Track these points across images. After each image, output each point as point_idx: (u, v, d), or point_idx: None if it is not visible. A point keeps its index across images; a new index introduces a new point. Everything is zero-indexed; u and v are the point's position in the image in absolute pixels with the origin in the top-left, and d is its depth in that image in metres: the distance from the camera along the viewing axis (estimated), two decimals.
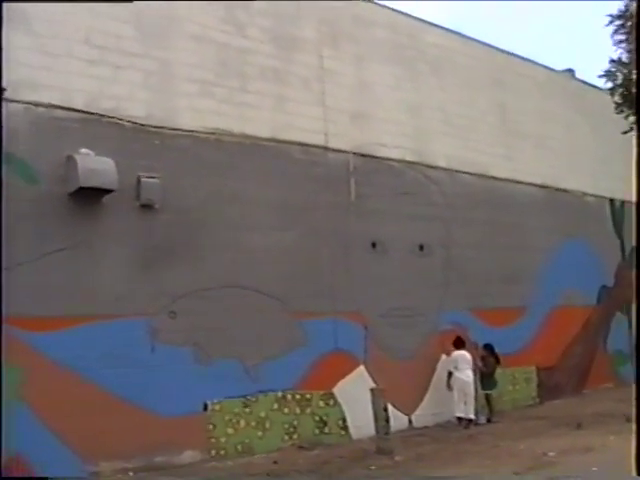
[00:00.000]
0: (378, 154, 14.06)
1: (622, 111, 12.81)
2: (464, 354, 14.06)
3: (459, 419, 13.83)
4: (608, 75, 12.58)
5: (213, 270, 11.57)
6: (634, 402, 6.05)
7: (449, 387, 14.01)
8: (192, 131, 11.67)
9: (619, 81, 12.58)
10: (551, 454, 10.88)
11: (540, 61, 18.81)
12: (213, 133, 11.91)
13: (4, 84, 9.00)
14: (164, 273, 11.06)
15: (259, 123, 12.48)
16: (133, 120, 10.99)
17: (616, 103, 12.87)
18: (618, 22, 12.73)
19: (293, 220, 12.65)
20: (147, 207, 10.98)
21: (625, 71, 12.47)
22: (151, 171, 11.01)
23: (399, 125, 14.54)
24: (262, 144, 12.46)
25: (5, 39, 8.21)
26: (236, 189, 12.02)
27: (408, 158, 14.63)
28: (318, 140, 13.16)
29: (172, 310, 11.05)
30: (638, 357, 6.80)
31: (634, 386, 6.36)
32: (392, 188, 14.16)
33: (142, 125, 11.10)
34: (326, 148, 13.26)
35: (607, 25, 12.51)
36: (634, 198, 11.19)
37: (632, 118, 12.71)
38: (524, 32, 50.75)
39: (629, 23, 12.54)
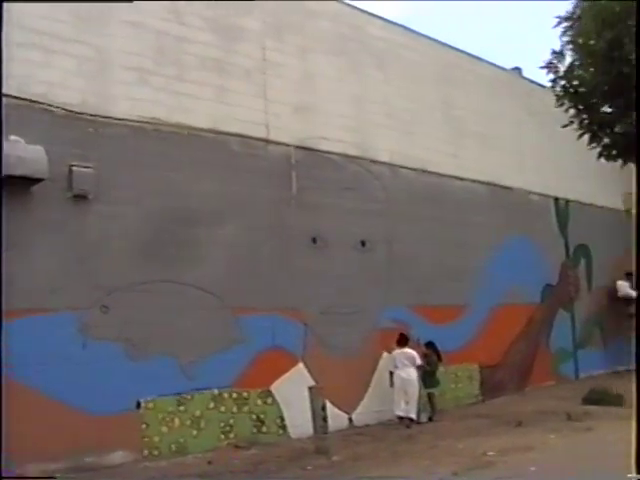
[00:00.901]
0: (320, 147, 13.81)
1: (562, 104, 12.66)
2: (407, 352, 13.85)
3: (400, 418, 13.63)
4: (549, 67, 12.42)
5: (148, 264, 11.22)
6: (634, 402, 5.89)
7: (391, 385, 13.79)
8: (128, 120, 11.30)
9: (560, 73, 12.44)
10: (490, 453, 10.74)
11: (488, 59, 18.81)
12: (150, 122, 11.55)
13: None
14: (97, 266, 10.68)
15: (198, 113, 12.15)
16: (66, 107, 10.59)
17: (557, 96, 12.74)
18: (566, 24, 12.61)
19: (232, 214, 12.33)
20: (80, 197, 10.59)
21: (566, 63, 12.34)
22: (85, 160, 10.63)
23: (342, 118, 14.30)
24: (201, 135, 12.14)
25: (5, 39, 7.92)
26: (174, 180, 11.68)
27: (350, 152, 14.39)
28: (259, 132, 12.87)
29: (105, 304, 10.68)
30: (638, 355, 6.64)
31: (634, 387, 6.21)
32: (334, 182, 13.92)
33: (75, 112, 10.70)
34: (267, 141, 12.96)
35: (555, 27, 12.38)
36: (634, 200, 11.07)
37: (572, 111, 12.61)
38: (475, 31, 51.06)
39: (576, 24, 12.43)
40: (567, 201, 20.81)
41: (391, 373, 13.87)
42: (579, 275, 21.30)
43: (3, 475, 8.56)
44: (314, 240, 13.46)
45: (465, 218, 16.86)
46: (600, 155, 12.73)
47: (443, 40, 17.40)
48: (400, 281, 14.96)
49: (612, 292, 22.43)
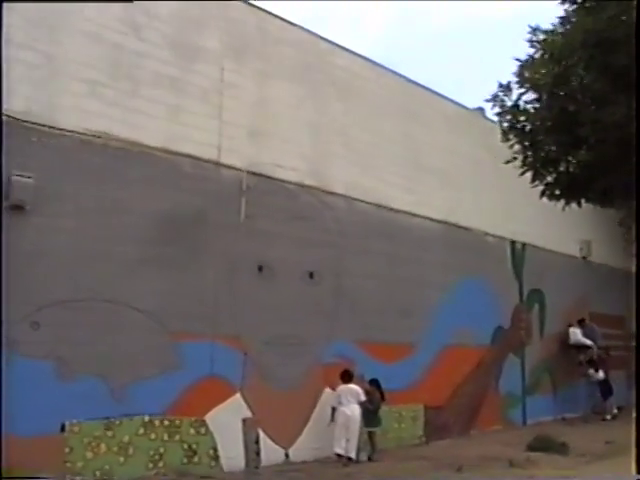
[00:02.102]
0: (273, 175, 13.52)
1: (508, 139, 12.45)
2: (351, 387, 13.50)
3: (339, 456, 13.24)
4: (494, 99, 12.20)
5: (84, 281, 10.81)
6: (635, 402, 5.70)
7: (332, 421, 13.42)
8: (75, 132, 10.94)
9: (507, 107, 12.21)
10: None
11: (452, 98, 18.77)
12: (99, 137, 11.20)
13: None
14: (30, 280, 10.26)
15: (150, 131, 11.82)
16: (9, 114, 10.19)
17: (503, 131, 12.53)
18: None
19: (177, 235, 11.98)
20: (17, 208, 10.16)
21: (513, 97, 12.10)
22: (25, 170, 10.23)
23: (298, 146, 14.07)
24: (151, 153, 11.80)
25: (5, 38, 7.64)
26: (119, 197, 11.33)
27: (305, 181, 14.12)
28: (211, 154, 12.55)
29: (35, 320, 10.25)
30: (638, 364, 6.46)
31: (635, 389, 6.03)
32: (285, 211, 13.63)
33: (19, 120, 10.33)
34: (218, 164, 12.66)
35: (515, 73, 12.18)
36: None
37: (517, 147, 12.40)
38: (442, 69, 51.47)
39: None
40: (523, 244, 20.74)
41: (333, 409, 13.47)
42: (532, 320, 21.17)
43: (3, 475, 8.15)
44: (260, 268, 13.12)
45: (419, 255, 16.65)
46: (543, 194, 12.51)
47: (407, 75, 17.29)
48: (347, 315, 14.67)
49: (564, 338, 22.36)
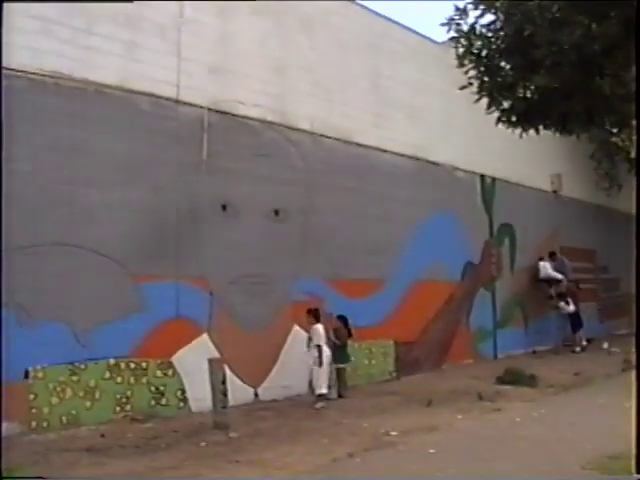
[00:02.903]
0: (236, 111, 13.20)
1: (463, 65, 12.16)
2: (317, 328, 13.34)
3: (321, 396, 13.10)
4: (450, 23, 11.88)
5: (43, 226, 10.56)
6: (634, 398, 5.64)
7: (321, 364, 13.06)
8: (28, 72, 10.57)
9: (463, 31, 11.90)
10: (393, 433, 10.49)
11: (420, 31, 18.41)
12: (52, 76, 10.84)
13: None
14: None
15: (106, 69, 11.45)
16: None
17: (458, 56, 12.25)
18: None
19: (138, 176, 11.72)
20: None
21: (469, 21, 11.79)
22: None
23: (261, 83, 13.71)
24: (108, 92, 11.46)
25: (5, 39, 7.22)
26: (75, 139, 11.01)
27: (269, 118, 13.81)
28: (170, 92, 12.19)
29: None
30: (638, 347, 6.35)
31: (634, 383, 5.94)
32: (249, 148, 13.36)
33: None
34: (178, 101, 12.31)
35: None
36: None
37: (472, 72, 12.12)
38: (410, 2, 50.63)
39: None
40: (493, 179, 20.61)
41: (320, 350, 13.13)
42: (502, 254, 21.18)
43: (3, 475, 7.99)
44: (224, 207, 12.88)
45: (388, 192, 16.49)
46: (499, 120, 12.29)
47: (374, 8, 16.92)
48: (315, 253, 14.54)
49: (534, 273, 22.45)
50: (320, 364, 12.95)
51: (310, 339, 13.20)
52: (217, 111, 12.88)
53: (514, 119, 12.18)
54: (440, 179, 18.28)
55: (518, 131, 12.51)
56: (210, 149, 12.67)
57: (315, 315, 13.35)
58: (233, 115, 13.18)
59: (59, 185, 10.80)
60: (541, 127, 12.40)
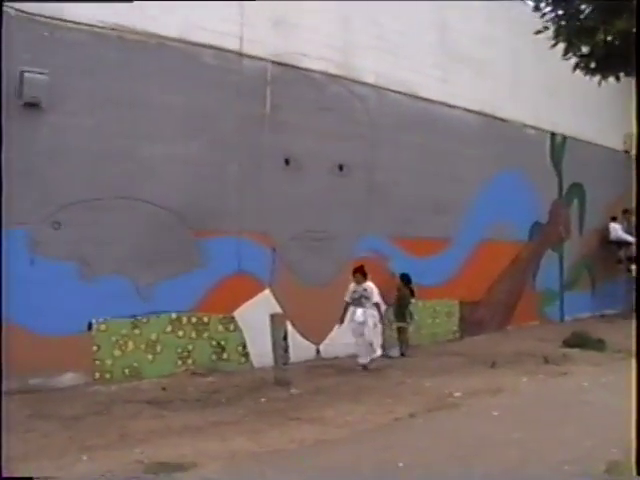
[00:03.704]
0: (299, 64, 12.92)
1: (538, 8, 11.57)
2: (371, 286, 12.57)
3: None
4: None
5: (105, 179, 10.53)
6: (634, 398, 5.43)
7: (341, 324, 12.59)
8: (89, 25, 10.45)
9: None
10: (457, 394, 10.27)
11: None
12: (114, 29, 10.71)
13: None
14: (49, 180, 10.01)
15: (167, 22, 11.27)
16: (19, 7, 9.73)
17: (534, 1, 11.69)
18: None
19: (200, 130, 11.58)
20: (31, 106, 9.79)
21: None
22: (38, 66, 9.80)
23: (325, 35, 13.34)
24: (169, 44, 11.28)
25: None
26: (137, 93, 10.89)
27: (333, 71, 13.48)
28: (233, 45, 11.97)
29: (56, 220, 10.04)
30: (638, 343, 6.10)
31: (634, 383, 5.72)
32: (312, 102, 13.10)
33: (30, 14, 9.83)
34: (241, 54, 12.08)
35: None
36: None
37: (549, 16, 11.55)
38: None
39: None
40: (564, 137, 19.98)
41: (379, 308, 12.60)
42: (571, 215, 20.63)
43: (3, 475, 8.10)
44: (287, 162, 12.70)
45: (454, 148, 16.08)
46: (576, 66, 11.69)
47: None
48: (380, 210, 14.29)
49: (604, 235, 21.83)
50: (380, 323, 12.56)
51: (364, 298, 12.44)
52: (280, 64, 12.62)
53: (593, 65, 11.54)
54: (508, 136, 17.75)
55: (596, 79, 11.89)
56: (273, 103, 12.46)
57: (363, 273, 12.59)
58: (297, 68, 12.90)
59: (120, 139, 10.71)
60: (622, 74, 11.77)
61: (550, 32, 11.42)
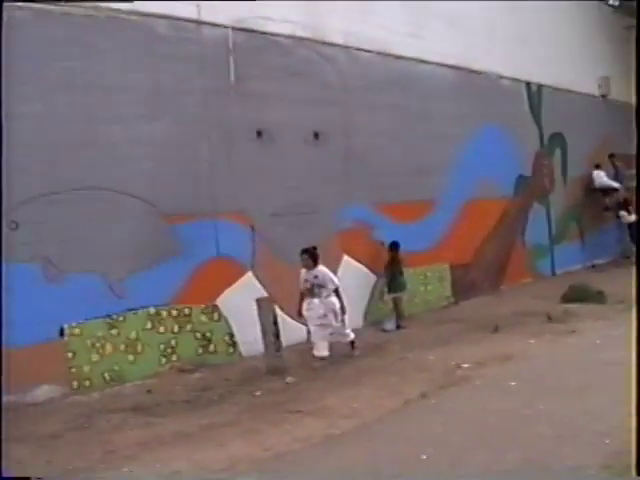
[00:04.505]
0: (263, 29, 12.01)
1: None
2: (323, 270, 10.91)
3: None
4: None
5: (64, 170, 9.60)
6: (634, 398, 4.83)
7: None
8: (31, 1, 9.53)
9: None
10: (465, 366, 9.63)
11: None
12: (58, 5, 9.76)
13: None
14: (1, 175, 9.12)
15: None
16: None
17: None
18: None
19: (162, 108, 10.66)
20: None
21: None
22: None
23: None
24: (120, 17, 10.33)
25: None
26: (89, 73, 9.93)
27: (299, 34, 12.60)
28: (189, 13, 11.05)
29: (12, 219, 9.12)
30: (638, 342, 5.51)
31: (634, 382, 5.13)
32: (280, 68, 12.20)
33: None
34: (199, 22, 11.18)
35: None
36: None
37: None
38: None
39: None
40: (540, 86, 19.26)
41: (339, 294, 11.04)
42: (554, 165, 19.98)
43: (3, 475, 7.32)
44: (259, 133, 11.81)
45: (431, 106, 15.32)
46: None
47: None
48: (361, 177, 13.50)
49: (588, 183, 21.23)
50: (344, 312, 10.90)
51: (317, 287, 10.76)
52: (243, 30, 11.69)
53: None
54: (485, 89, 17.00)
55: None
56: (238, 72, 11.54)
57: (313, 256, 10.86)
58: (261, 33, 11.98)
59: (76, 125, 9.79)
60: None
61: None
